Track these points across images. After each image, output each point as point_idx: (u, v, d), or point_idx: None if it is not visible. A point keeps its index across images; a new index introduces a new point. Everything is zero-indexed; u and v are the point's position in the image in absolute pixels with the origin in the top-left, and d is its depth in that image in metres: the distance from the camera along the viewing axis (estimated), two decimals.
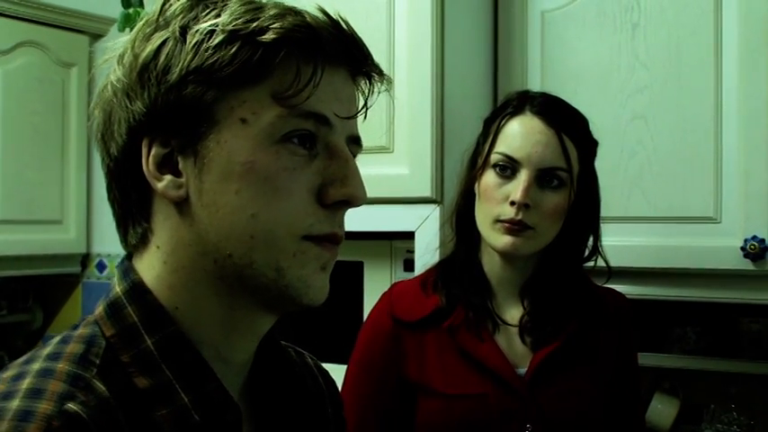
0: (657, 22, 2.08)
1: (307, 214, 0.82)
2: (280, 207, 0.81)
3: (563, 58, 2.20)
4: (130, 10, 2.54)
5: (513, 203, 1.53)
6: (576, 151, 1.57)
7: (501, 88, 2.25)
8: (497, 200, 1.56)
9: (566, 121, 1.57)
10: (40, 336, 3.70)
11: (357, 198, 0.85)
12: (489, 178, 1.58)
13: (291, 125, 0.81)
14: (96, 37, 3.55)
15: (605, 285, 1.72)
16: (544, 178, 1.55)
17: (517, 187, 1.54)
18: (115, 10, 2.67)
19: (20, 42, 3.27)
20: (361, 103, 0.89)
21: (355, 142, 0.89)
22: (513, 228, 1.54)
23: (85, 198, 3.52)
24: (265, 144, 0.81)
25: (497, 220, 1.56)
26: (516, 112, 1.59)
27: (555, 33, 2.21)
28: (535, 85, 2.19)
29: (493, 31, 2.29)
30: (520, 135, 1.56)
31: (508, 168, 1.56)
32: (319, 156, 0.84)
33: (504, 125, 1.59)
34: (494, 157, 1.57)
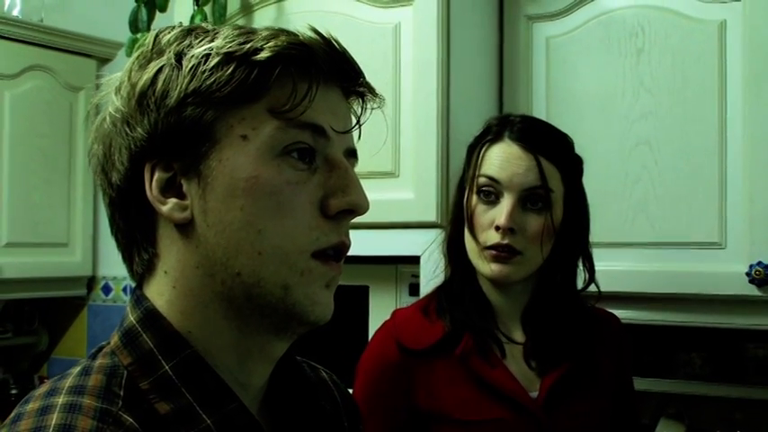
0: (662, 47, 2.09)
1: (311, 228, 0.84)
2: (285, 222, 0.82)
3: (568, 84, 2.21)
4: (138, 35, 2.55)
5: (497, 228, 1.55)
6: (557, 172, 1.58)
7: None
8: (483, 226, 1.57)
9: (543, 145, 1.58)
10: (46, 358, 3.70)
11: (359, 206, 0.86)
12: (474, 204, 1.59)
13: (290, 136, 0.83)
14: (104, 61, 3.57)
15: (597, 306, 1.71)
16: (527, 201, 1.57)
17: (501, 212, 1.55)
18: (123, 34, 2.69)
19: (28, 66, 3.29)
20: (354, 122, 0.90)
21: (353, 155, 0.90)
22: (501, 255, 1.55)
23: (92, 221, 3.53)
24: (267, 158, 0.82)
25: (485, 247, 1.57)
26: (495, 138, 1.60)
27: (560, 59, 2.22)
28: (540, 110, 2.20)
29: (498, 57, 2.30)
30: (499, 161, 1.57)
31: (492, 194, 1.57)
32: (319, 169, 0.85)
33: (484, 152, 1.60)
34: (478, 181, 1.59)
